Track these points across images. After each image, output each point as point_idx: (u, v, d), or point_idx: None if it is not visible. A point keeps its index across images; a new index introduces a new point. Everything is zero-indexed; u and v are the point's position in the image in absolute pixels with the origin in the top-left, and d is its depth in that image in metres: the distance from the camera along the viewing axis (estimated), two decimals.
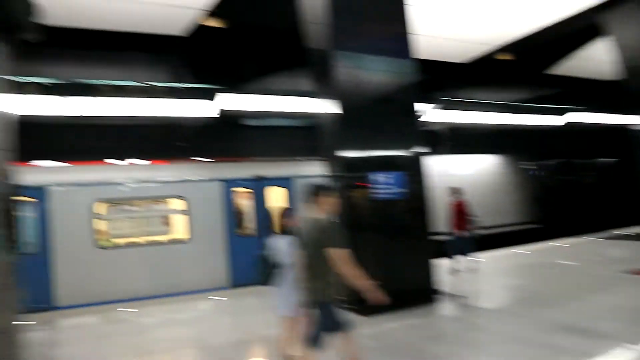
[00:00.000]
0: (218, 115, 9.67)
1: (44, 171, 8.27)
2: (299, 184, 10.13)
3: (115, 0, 7.37)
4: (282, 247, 4.25)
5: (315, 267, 3.58)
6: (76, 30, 7.75)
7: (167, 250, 9.16)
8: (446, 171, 13.04)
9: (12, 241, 2.57)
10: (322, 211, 3.69)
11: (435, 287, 6.83)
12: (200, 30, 9.27)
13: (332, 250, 3.48)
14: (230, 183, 9.81)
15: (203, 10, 8.33)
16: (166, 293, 8.53)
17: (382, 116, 6.71)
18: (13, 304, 2.69)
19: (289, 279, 4.13)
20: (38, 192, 7.95)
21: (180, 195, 9.30)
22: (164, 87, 9.10)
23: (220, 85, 9.36)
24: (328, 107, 6.73)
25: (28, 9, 2.24)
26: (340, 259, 3.47)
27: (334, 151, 6.65)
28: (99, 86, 8.35)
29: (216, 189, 9.65)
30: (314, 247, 3.58)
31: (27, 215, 7.51)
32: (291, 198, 10.20)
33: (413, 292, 6.40)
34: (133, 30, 9.01)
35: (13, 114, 2.65)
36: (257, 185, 10.08)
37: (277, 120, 11.77)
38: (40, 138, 8.01)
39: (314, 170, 9.96)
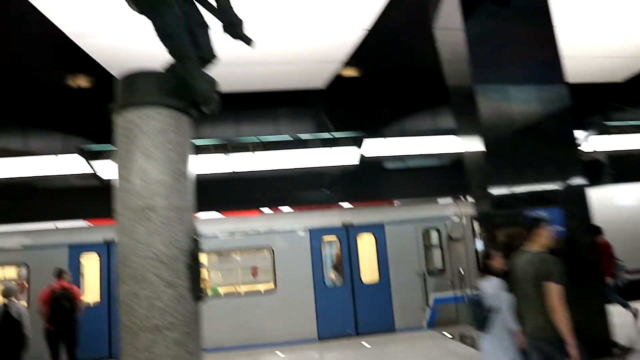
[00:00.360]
0: (359, 162, 9.93)
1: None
2: (395, 230, 9.82)
3: (263, 64, 8.12)
4: (491, 290, 4.17)
5: (533, 304, 3.48)
6: (231, 94, 8.76)
7: (254, 301, 9.27)
8: (609, 203, 11.58)
9: (199, 291, 2.80)
10: (537, 245, 3.64)
11: (613, 338, 5.99)
12: (338, 81, 9.75)
13: (548, 285, 3.39)
14: (319, 232, 9.75)
15: (341, 62, 8.77)
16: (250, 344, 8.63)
17: (534, 148, 6.30)
18: (197, 351, 2.87)
19: (501, 323, 4.03)
20: None
21: (267, 245, 9.48)
22: (308, 138, 9.66)
23: (361, 132, 9.65)
24: (472, 143, 6.53)
25: (213, 86, 2.59)
26: (555, 295, 3.36)
27: (482, 189, 6.37)
28: (250, 143, 9.22)
29: (304, 238, 9.65)
30: (532, 283, 3.49)
31: None
32: (379, 245, 9.87)
33: (588, 343, 5.67)
34: (278, 88, 9.82)
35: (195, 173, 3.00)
36: (346, 232, 9.91)
37: (418, 160, 11.70)
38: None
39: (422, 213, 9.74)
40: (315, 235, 9.75)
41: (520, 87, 6.53)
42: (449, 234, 10.10)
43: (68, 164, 9.23)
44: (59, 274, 7.51)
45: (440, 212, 10.40)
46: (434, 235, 10.24)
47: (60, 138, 10.39)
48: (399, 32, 8.58)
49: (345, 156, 9.77)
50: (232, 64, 2.86)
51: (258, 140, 9.31)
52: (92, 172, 9.17)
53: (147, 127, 2.61)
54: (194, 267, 2.77)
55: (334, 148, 9.61)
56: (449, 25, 6.91)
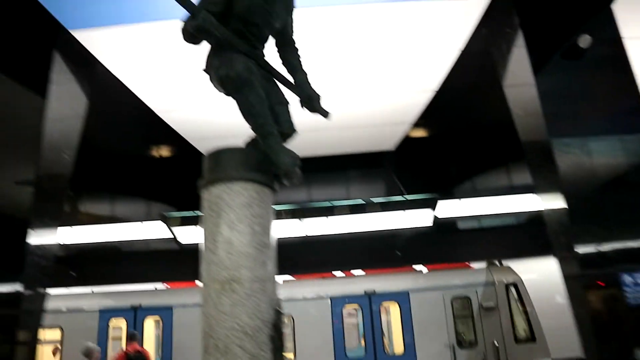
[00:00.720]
0: (432, 223, 9.74)
1: None
2: (421, 298, 9.30)
3: (333, 129, 8.35)
4: None
5: None
6: (302, 159, 9.05)
7: None
8: None
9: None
10: None
11: None
12: (408, 142, 9.80)
13: None
14: (340, 300, 9.34)
15: (410, 123, 8.85)
16: None
17: (621, 202, 5.90)
18: None
19: None
20: None
21: (287, 313, 9.19)
22: (379, 202, 9.67)
23: (433, 193, 9.53)
24: (553, 200, 6.22)
25: (295, 160, 2.69)
26: None
27: (566, 248, 5.99)
28: (323, 208, 9.36)
29: (325, 307, 9.28)
30: None
31: None
32: (403, 314, 9.30)
33: None
34: (349, 151, 10.02)
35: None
36: (369, 301, 9.42)
37: (494, 220, 11.26)
38: None
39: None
40: (337, 303, 9.42)
41: (601, 139, 6.25)
42: (481, 303, 9.45)
43: (150, 229, 9.77)
44: (132, 337, 7.80)
45: (471, 279, 9.80)
46: (465, 304, 9.62)
47: (143, 205, 11.08)
48: (466, 91, 8.60)
49: (418, 218, 9.60)
50: (303, 130, 2.99)
51: (329, 205, 9.44)
52: (172, 237, 9.63)
53: (232, 201, 2.73)
54: (277, 338, 2.77)
55: (406, 210, 9.52)
56: (519, 82, 6.84)
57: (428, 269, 10.97)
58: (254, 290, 2.72)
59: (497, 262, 10.49)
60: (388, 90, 7.63)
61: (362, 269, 10.35)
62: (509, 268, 9.93)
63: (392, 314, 9.73)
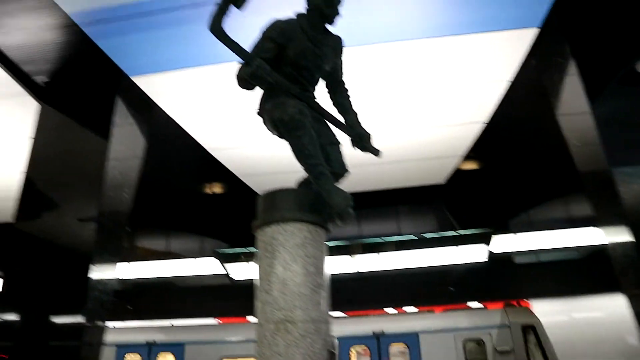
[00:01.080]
0: (487, 259, 9.43)
1: None
2: (431, 339, 8.75)
3: (383, 163, 8.33)
4: None
5: None
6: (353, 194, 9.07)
7: None
8: None
9: None
10: None
11: None
12: (459, 175, 9.63)
13: None
14: (347, 341, 8.84)
15: (461, 156, 8.71)
16: None
17: None
18: None
19: None
20: None
21: None
22: (431, 237, 9.50)
23: (487, 227, 9.27)
24: (617, 233, 5.89)
25: (347, 200, 2.70)
26: None
27: (636, 285, 5.61)
28: (376, 244, 9.29)
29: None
30: None
31: None
32: (412, 356, 8.69)
33: None
34: (398, 186, 9.95)
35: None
36: (377, 342, 8.90)
37: (553, 254, 10.77)
38: None
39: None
40: (344, 344, 8.99)
41: None
42: (495, 346, 8.82)
43: (203, 265, 9.98)
44: None
45: (485, 321, 9.22)
46: (478, 347, 8.99)
47: (197, 240, 11.37)
48: (517, 122, 8.41)
49: (472, 253, 9.33)
50: (353, 165, 3.02)
51: (380, 241, 9.36)
52: (224, 272, 9.79)
53: (286, 241, 2.77)
54: None
55: (459, 245, 9.28)
56: (574, 110, 6.62)
57: (439, 309, 10.61)
58: (308, 331, 2.71)
59: (515, 303, 9.96)
60: (438, 123, 7.59)
61: (414, 306, 10.10)
62: (527, 309, 9.40)
63: (401, 356, 9.28)
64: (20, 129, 7.22)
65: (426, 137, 7.98)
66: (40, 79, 6.37)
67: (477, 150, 8.57)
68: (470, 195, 10.55)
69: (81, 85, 6.47)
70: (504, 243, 9.16)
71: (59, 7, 5.02)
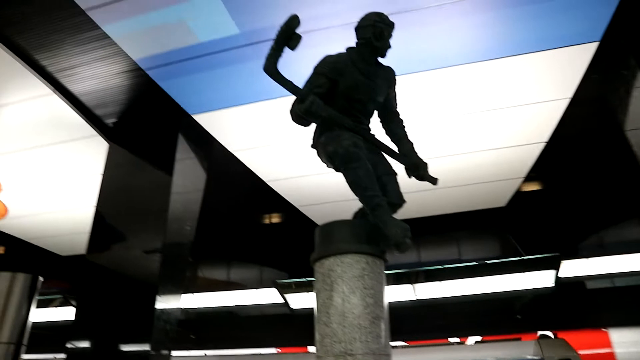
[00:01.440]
0: (554, 284, 8.94)
1: None
2: None
3: (442, 188, 8.19)
4: None
5: None
6: (410, 220, 8.93)
7: None
8: None
9: None
10: None
11: None
12: (519, 197, 9.28)
13: None
14: None
15: (522, 177, 8.42)
16: None
17: None
18: None
19: None
20: None
21: None
22: (494, 262, 9.17)
23: (552, 252, 8.82)
24: None
25: (405, 231, 2.68)
26: None
27: None
28: (436, 271, 9.07)
29: None
30: None
31: None
32: None
33: None
34: (457, 210, 9.71)
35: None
36: None
37: (630, 279, 10.04)
38: None
39: None
40: None
41: None
42: None
43: (263, 295, 10.11)
44: None
45: (515, 353, 8.51)
46: None
47: (256, 270, 11.55)
48: (580, 139, 8.07)
49: (538, 279, 8.88)
50: (410, 192, 3.00)
51: (441, 268, 9.14)
52: (284, 302, 9.86)
53: (344, 273, 2.77)
54: None
55: (525, 272, 8.88)
56: None
57: (462, 341, 10.03)
58: None
59: (550, 334, 9.25)
60: (496, 146, 7.40)
61: (479, 335, 9.68)
62: (564, 342, 8.70)
63: None
64: (92, 166, 7.73)
65: (485, 160, 7.78)
66: (109, 120, 6.83)
67: (539, 171, 8.26)
68: (534, 218, 10.10)
69: (146, 125, 6.86)
70: (574, 267, 8.66)
71: (125, 54, 5.41)
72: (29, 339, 6.18)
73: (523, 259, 8.97)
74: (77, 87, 6.08)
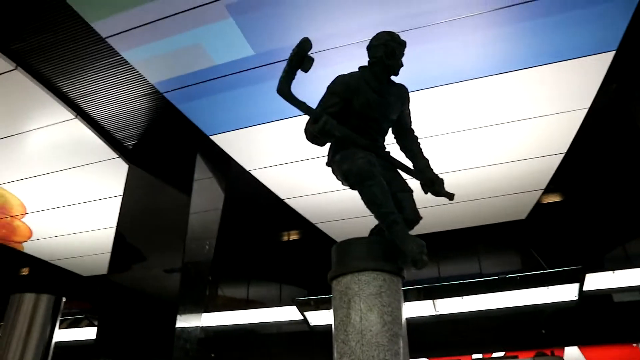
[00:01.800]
0: (577, 297, 8.74)
1: None
2: None
3: (461, 203, 8.14)
4: None
5: None
6: (428, 235, 8.90)
7: None
8: None
9: None
10: None
11: None
12: (539, 209, 9.14)
13: None
14: None
15: (541, 190, 8.31)
16: None
17: None
18: None
19: None
20: None
21: None
22: (515, 276, 9.02)
23: (575, 265, 8.64)
24: None
25: (421, 247, 2.68)
26: None
27: None
28: (456, 285, 8.96)
29: None
30: None
31: None
32: None
33: None
34: (476, 224, 9.60)
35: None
36: None
37: None
38: None
39: None
40: None
41: None
42: None
43: (282, 312, 10.09)
44: None
45: None
46: None
47: (275, 288, 11.55)
48: (600, 149, 7.96)
49: (561, 292, 8.70)
50: (427, 206, 3.00)
51: (462, 283, 9.02)
52: (303, 319, 9.82)
53: (361, 291, 2.76)
54: None
55: (548, 286, 8.71)
56: None
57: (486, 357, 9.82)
58: None
59: (548, 352, 9.02)
60: (514, 158, 7.34)
61: (503, 351, 9.46)
62: (560, 358, 8.47)
63: None
64: (112, 188, 7.88)
65: (504, 172, 7.71)
66: (129, 143, 6.98)
67: (558, 183, 8.15)
68: (555, 230, 9.93)
69: (165, 146, 6.99)
70: (599, 280, 8.46)
71: (144, 78, 5.55)
72: (53, 359, 6.27)
73: (545, 272, 8.81)
74: (98, 111, 6.24)
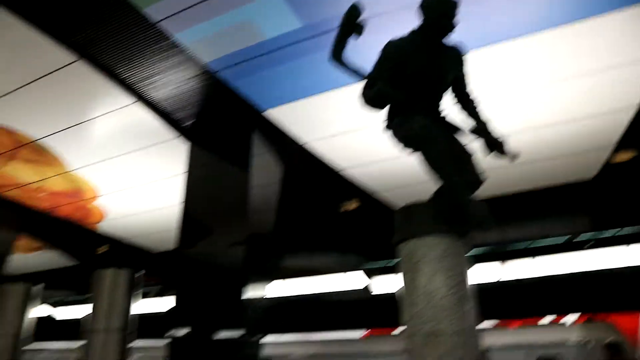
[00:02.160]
0: None
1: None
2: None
3: (525, 163, 7.83)
4: None
5: None
6: (493, 198, 8.64)
7: None
8: None
9: None
10: None
11: None
12: (609, 169, 8.62)
13: None
14: None
15: (611, 148, 7.84)
16: None
17: None
18: None
19: None
20: None
21: None
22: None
23: None
24: None
25: (484, 209, 2.65)
26: None
27: None
28: (523, 249, 8.73)
29: None
30: None
31: None
32: None
33: None
34: (541, 186, 9.23)
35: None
36: None
37: None
38: None
39: None
40: None
41: None
42: None
43: (346, 280, 10.28)
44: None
45: (560, 336, 7.77)
46: None
47: (338, 257, 11.73)
48: None
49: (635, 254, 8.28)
50: (491, 169, 2.93)
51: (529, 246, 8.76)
52: (366, 286, 9.95)
53: (426, 255, 2.79)
54: None
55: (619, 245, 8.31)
56: None
57: (512, 325, 9.43)
58: (455, 343, 2.69)
59: (598, 318, 8.49)
60: (581, 115, 6.94)
61: (577, 312, 9.13)
62: (611, 325, 7.92)
63: None
64: (175, 167, 8.21)
65: (570, 131, 7.31)
66: (187, 122, 7.20)
67: (629, 140, 7.62)
68: (623, 190, 9.36)
69: (222, 123, 7.16)
70: None
71: (196, 59, 5.68)
72: (138, 327, 6.68)
73: (614, 234, 8.39)
74: (156, 94, 6.47)
